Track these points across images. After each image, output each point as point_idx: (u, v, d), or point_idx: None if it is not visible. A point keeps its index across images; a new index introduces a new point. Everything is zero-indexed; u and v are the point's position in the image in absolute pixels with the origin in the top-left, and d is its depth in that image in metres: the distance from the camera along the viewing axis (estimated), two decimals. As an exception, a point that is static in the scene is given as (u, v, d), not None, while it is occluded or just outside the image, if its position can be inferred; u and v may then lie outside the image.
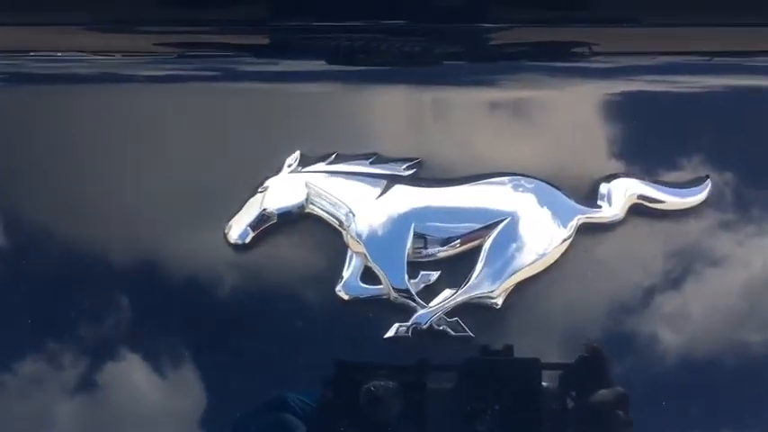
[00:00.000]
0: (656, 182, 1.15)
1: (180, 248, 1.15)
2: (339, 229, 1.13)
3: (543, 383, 1.12)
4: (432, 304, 1.11)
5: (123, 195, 1.16)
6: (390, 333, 1.10)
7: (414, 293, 1.11)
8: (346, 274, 1.12)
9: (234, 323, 1.13)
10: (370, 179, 1.14)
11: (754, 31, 1.23)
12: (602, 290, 1.14)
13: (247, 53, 1.29)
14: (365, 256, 1.12)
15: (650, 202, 1.14)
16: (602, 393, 1.12)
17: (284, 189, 1.14)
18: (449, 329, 1.11)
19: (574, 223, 1.13)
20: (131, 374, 1.12)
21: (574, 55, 1.26)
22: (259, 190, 1.14)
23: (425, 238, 1.12)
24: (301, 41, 1.26)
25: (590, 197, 1.14)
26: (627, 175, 1.15)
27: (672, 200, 1.15)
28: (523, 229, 1.12)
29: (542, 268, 1.12)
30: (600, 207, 1.14)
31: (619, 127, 1.17)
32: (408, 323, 1.10)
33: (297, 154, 1.15)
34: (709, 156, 1.16)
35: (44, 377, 1.12)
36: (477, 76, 1.23)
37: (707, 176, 1.15)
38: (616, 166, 1.16)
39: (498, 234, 1.12)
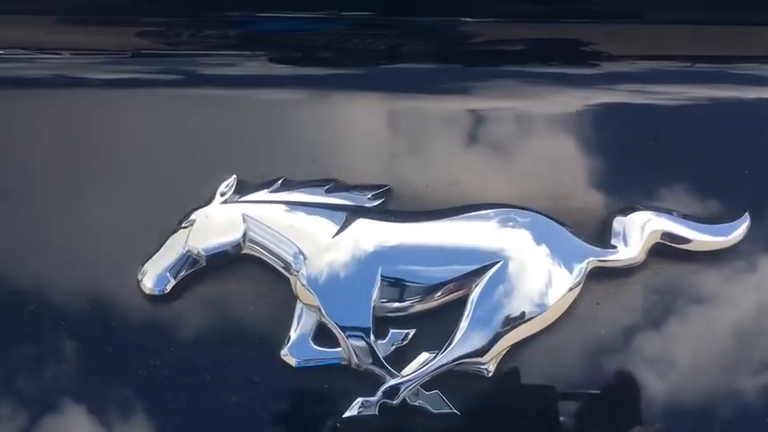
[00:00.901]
0: (682, 216, 1.06)
1: (81, 299, 1.06)
2: (285, 274, 1.04)
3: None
4: (405, 373, 1.02)
5: (14, 226, 1.09)
6: (352, 411, 1.02)
7: (382, 358, 1.02)
8: (294, 333, 1.04)
9: (150, 396, 1.04)
10: (325, 211, 1.05)
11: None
12: (619, 352, 1.05)
13: (168, 51, 1.19)
14: (319, 309, 1.03)
15: (675, 242, 1.06)
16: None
17: (215, 223, 1.05)
18: (427, 406, 1.02)
19: (583, 268, 1.04)
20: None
21: (581, 59, 1.17)
22: (182, 225, 1.06)
23: (396, 287, 1.03)
24: (241, 36, 1.18)
25: (602, 235, 1.06)
26: (647, 207, 1.06)
27: (702, 238, 1.06)
28: (519, 275, 1.03)
29: (544, 326, 1.03)
30: (614, 248, 1.05)
31: (635, 147, 1.09)
32: (375, 398, 1.01)
33: (232, 179, 1.06)
34: (749, 184, 1.08)
35: None
36: (459, 83, 1.14)
37: (745, 210, 1.06)
38: (633, 196, 1.07)
39: (488, 282, 1.03)
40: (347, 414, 1.01)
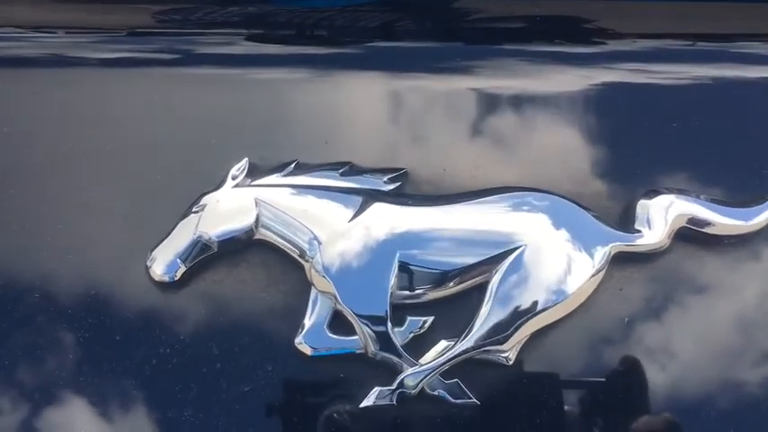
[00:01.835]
0: (708, 200, 1.05)
1: (88, 285, 1.04)
2: (300, 260, 1.02)
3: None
4: (423, 361, 1.00)
5: (19, 212, 1.06)
6: (369, 401, 1.00)
7: (399, 347, 1.00)
8: (309, 321, 1.02)
9: (159, 385, 1.02)
10: (340, 195, 1.03)
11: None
12: (644, 338, 1.03)
13: (178, 31, 1.16)
14: (334, 296, 1.01)
15: (701, 226, 1.04)
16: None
17: (227, 208, 1.03)
18: (446, 395, 1.00)
19: (606, 252, 1.02)
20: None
21: (600, 37, 1.14)
22: (193, 209, 1.04)
23: (414, 273, 1.01)
24: (252, 14, 1.15)
25: (625, 220, 1.04)
26: (671, 191, 1.05)
27: (729, 222, 1.04)
28: (541, 261, 1.01)
29: (566, 312, 1.01)
30: (639, 232, 1.03)
31: (659, 128, 1.07)
32: (392, 387, 1.00)
33: (244, 162, 1.05)
34: None
35: None
36: (476, 63, 1.11)
37: None
38: (657, 178, 1.06)
39: (509, 267, 1.01)
40: (363, 404, 0.99)
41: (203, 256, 1.02)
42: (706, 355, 1.03)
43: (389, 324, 0.99)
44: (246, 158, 1.04)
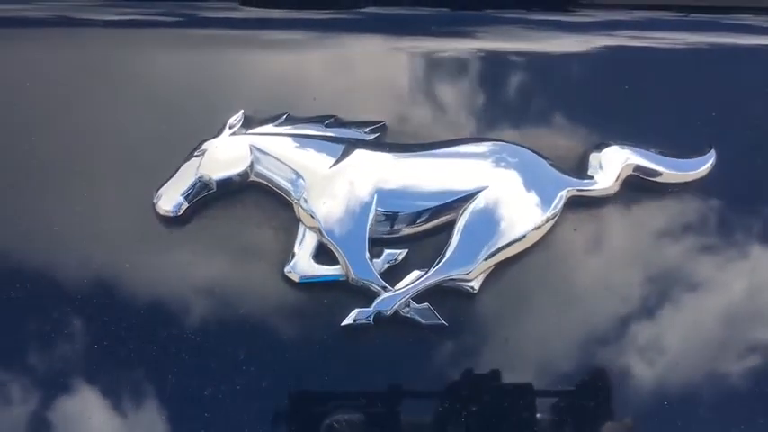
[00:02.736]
0: (653, 152, 1.08)
1: (100, 220, 1.06)
2: (289, 200, 1.06)
3: (527, 382, 1.05)
4: (397, 287, 1.03)
5: (36, 155, 1.08)
6: (348, 320, 1.03)
7: (376, 274, 1.03)
8: (297, 252, 1.04)
9: (164, 310, 1.05)
10: (325, 144, 1.06)
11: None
12: (593, 273, 1.07)
13: None
14: (319, 231, 1.04)
15: (647, 175, 1.08)
16: (593, 396, 1.06)
17: (225, 153, 1.06)
18: (417, 317, 1.03)
19: (561, 196, 1.06)
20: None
21: (562, 4, 1.18)
22: (195, 154, 1.06)
23: (390, 212, 1.05)
24: None
25: (579, 168, 1.07)
26: (621, 143, 1.08)
27: (671, 173, 1.08)
28: (504, 202, 1.05)
29: (525, 247, 1.05)
30: (591, 178, 1.07)
31: (612, 88, 1.11)
32: (370, 309, 1.03)
33: (240, 114, 1.07)
34: (715, 124, 1.10)
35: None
36: (450, 26, 1.15)
37: (711, 147, 1.09)
38: (609, 133, 1.09)
39: (475, 208, 1.04)
40: (344, 323, 1.01)
41: (203, 195, 1.04)
42: (648, 289, 1.06)
43: (368, 254, 1.02)
44: (242, 110, 1.06)
